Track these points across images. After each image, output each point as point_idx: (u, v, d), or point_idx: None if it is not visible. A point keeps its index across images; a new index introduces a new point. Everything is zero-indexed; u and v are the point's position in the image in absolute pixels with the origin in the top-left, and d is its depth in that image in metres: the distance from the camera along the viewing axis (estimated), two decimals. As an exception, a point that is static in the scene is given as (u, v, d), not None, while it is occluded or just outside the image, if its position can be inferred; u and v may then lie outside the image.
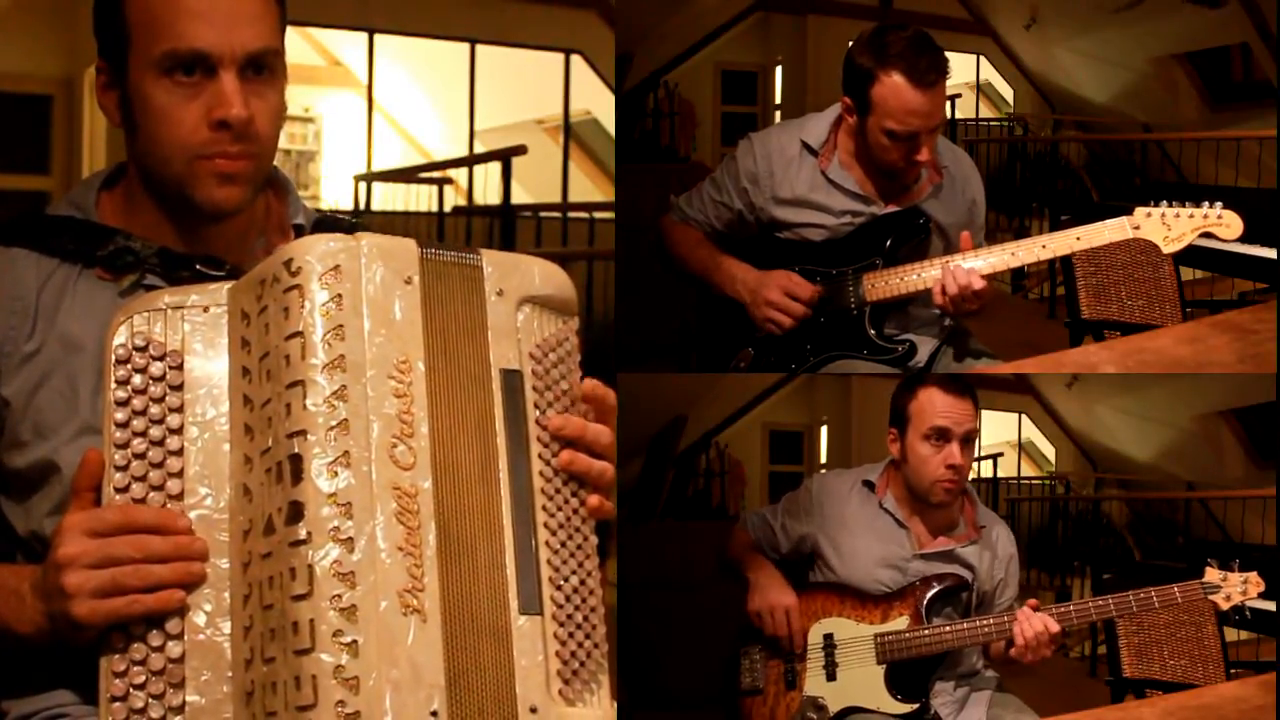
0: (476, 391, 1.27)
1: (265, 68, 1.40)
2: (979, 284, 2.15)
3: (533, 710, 1.20)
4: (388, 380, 1.21)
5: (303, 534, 1.16)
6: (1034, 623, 2.16)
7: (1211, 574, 2.20)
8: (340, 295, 1.22)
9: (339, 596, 1.14)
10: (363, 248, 1.24)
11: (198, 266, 1.43)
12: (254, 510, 1.22)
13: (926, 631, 2.22)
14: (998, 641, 2.24)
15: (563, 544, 1.27)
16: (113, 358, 1.28)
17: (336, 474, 1.17)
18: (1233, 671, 3.26)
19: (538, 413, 1.29)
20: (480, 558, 1.22)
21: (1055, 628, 2.17)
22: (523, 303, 1.32)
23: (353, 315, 1.21)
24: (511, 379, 1.28)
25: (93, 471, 1.25)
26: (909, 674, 2.24)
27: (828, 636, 2.27)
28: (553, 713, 1.21)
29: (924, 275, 2.23)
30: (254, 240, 1.48)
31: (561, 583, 1.26)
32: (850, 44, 2.20)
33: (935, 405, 2.24)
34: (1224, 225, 2.16)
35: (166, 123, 1.39)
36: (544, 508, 1.27)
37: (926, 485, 2.25)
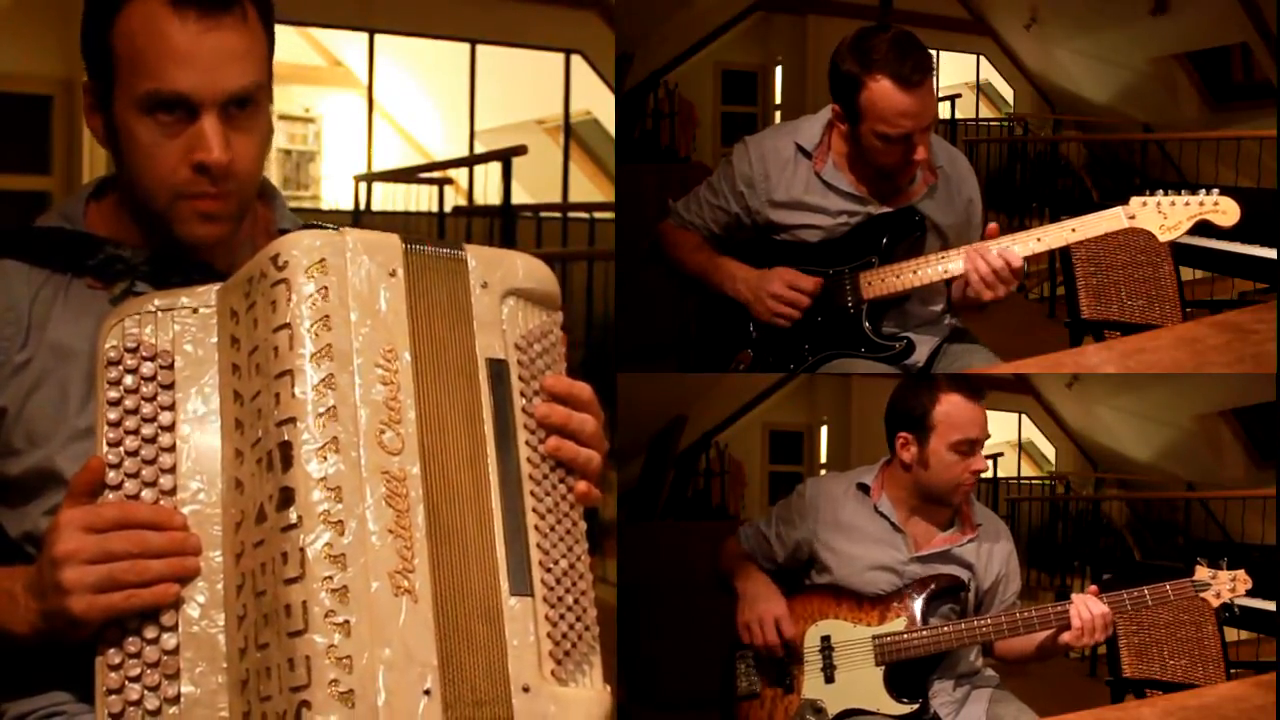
0: (463, 380, 1.29)
1: (249, 102, 1.39)
2: (1017, 261, 2.15)
3: (525, 689, 1.22)
4: (374, 369, 1.23)
5: (293, 518, 1.17)
6: (1091, 606, 2.14)
7: (1201, 572, 2.21)
8: (326, 288, 1.23)
9: (330, 579, 1.16)
10: (348, 242, 1.26)
11: (187, 273, 1.43)
12: (245, 501, 1.24)
13: (925, 632, 2.22)
14: (1049, 630, 2.21)
15: (552, 528, 1.29)
16: (104, 360, 1.29)
17: (325, 459, 1.19)
18: (1233, 671, 3.26)
19: (524, 401, 1.31)
20: (470, 540, 1.24)
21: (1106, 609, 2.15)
22: (507, 295, 1.34)
23: (339, 306, 1.23)
24: (497, 368, 1.30)
25: (93, 478, 1.25)
26: (908, 674, 2.24)
27: (825, 638, 2.27)
28: (545, 692, 1.23)
29: (921, 272, 2.23)
30: (242, 247, 1.48)
31: (551, 565, 1.28)
32: (834, 51, 2.20)
33: (963, 416, 2.23)
34: (1220, 212, 2.15)
35: (148, 160, 1.39)
36: (532, 493, 1.29)
37: (949, 489, 2.25)
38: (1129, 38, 4.34)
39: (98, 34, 1.39)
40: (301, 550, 1.16)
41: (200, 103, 1.36)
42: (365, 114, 10.25)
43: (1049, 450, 5.21)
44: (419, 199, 8.20)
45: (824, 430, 4.61)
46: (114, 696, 1.21)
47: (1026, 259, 2.19)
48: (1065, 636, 2.17)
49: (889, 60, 2.12)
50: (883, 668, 2.24)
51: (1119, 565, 4.91)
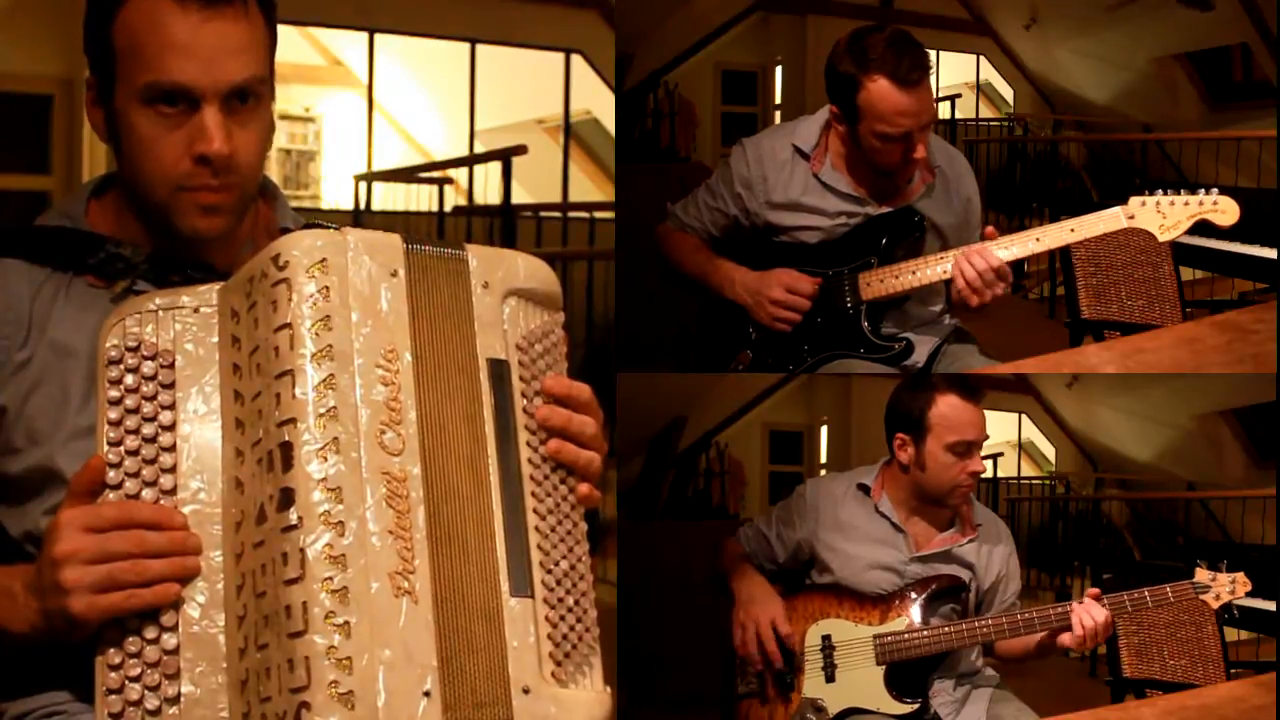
0: (464, 380, 1.29)
1: (250, 95, 1.40)
2: (996, 260, 2.14)
3: (525, 691, 1.22)
4: (375, 369, 1.23)
5: (294, 519, 1.17)
6: (1094, 614, 2.15)
7: (1201, 574, 2.21)
8: (327, 288, 1.24)
9: (330, 579, 1.16)
10: (349, 242, 1.26)
11: (188, 271, 1.44)
12: (246, 501, 1.24)
13: (926, 632, 2.22)
14: (1047, 633, 2.21)
15: (552, 529, 1.29)
16: (105, 359, 1.29)
17: (326, 459, 1.19)
18: (1233, 671, 3.26)
19: (525, 401, 1.31)
20: (470, 541, 1.24)
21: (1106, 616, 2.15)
22: (508, 295, 1.34)
23: (340, 306, 1.24)
24: (498, 368, 1.31)
25: (93, 478, 1.25)
26: (908, 674, 2.24)
27: (826, 638, 2.27)
28: (545, 693, 1.23)
29: (919, 273, 2.23)
30: (243, 245, 1.49)
31: (552, 566, 1.28)
32: (830, 53, 2.20)
33: (959, 417, 2.23)
34: (1220, 212, 2.15)
35: (149, 153, 1.39)
36: (533, 494, 1.29)
37: (946, 491, 2.25)
38: (1129, 37, 4.34)
39: (100, 27, 1.40)
40: (301, 551, 1.16)
41: (201, 94, 1.36)
42: (365, 114, 10.24)
43: (1049, 450, 5.21)
44: (419, 199, 8.19)
45: (824, 430, 4.61)
46: (114, 696, 1.21)
47: (1026, 259, 2.19)
48: (1065, 639, 2.17)
49: (886, 60, 2.12)
50: (883, 667, 2.24)
51: (1119, 565, 4.91)
